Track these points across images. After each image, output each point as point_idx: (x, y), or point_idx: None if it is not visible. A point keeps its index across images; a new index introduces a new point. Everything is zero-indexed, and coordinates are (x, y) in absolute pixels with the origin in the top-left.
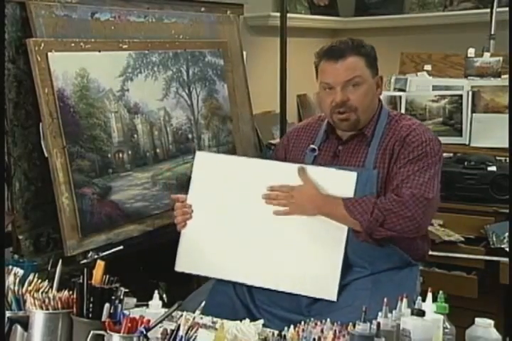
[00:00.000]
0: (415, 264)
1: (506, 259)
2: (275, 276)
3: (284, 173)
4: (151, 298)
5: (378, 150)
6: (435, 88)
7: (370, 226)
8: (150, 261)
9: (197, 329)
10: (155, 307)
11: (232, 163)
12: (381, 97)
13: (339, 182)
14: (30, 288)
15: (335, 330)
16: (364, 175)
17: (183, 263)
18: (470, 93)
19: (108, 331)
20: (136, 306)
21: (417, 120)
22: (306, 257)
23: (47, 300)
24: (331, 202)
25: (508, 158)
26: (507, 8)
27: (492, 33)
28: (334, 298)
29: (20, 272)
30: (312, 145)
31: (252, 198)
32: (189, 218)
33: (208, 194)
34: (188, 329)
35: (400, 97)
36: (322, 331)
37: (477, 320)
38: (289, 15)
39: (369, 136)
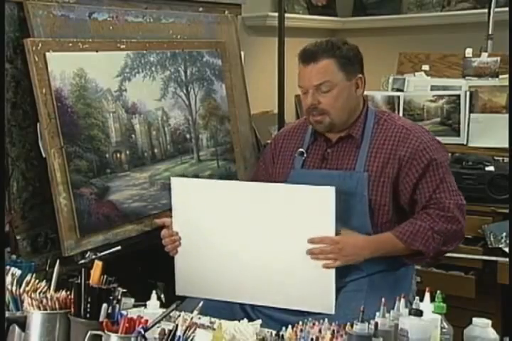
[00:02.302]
0: (410, 264)
1: (504, 259)
2: (272, 294)
3: (261, 192)
4: (149, 298)
5: (369, 152)
6: (433, 88)
7: (435, 252)
8: (148, 261)
9: (195, 329)
10: (153, 307)
11: (207, 186)
12: (379, 98)
13: (318, 198)
14: (27, 289)
15: (333, 330)
16: (355, 178)
17: (183, 288)
18: (468, 93)
19: (106, 331)
20: (134, 306)
21: (408, 119)
22: (299, 272)
23: (44, 301)
24: (383, 241)
25: (506, 158)
26: (504, 8)
27: (490, 33)
28: (332, 312)
29: (18, 272)
30: (301, 149)
31: (236, 219)
32: (178, 245)
33: (192, 218)
34: (186, 329)
35: (398, 97)
36: (320, 331)
37: (475, 319)
38: (286, 15)
39: (358, 137)
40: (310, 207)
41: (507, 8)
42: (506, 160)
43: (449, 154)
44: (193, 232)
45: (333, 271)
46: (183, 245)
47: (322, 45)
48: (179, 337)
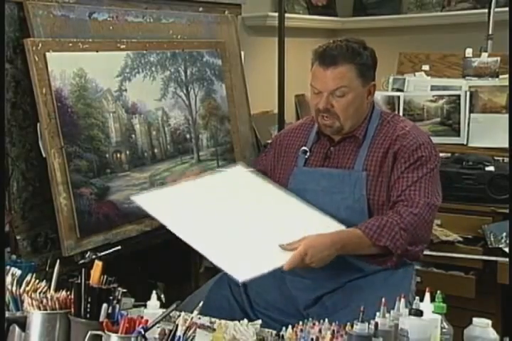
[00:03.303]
0: (410, 264)
1: (504, 259)
2: (216, 246)
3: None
4: (149, 298)
5: (369, 151)
6: (433, 88)
7: (402, 250)
8: (148, 261)
9: (195, 329)
10: (153, 307)
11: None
12: (379, 98)
13: (322, 227)
14: (27, 289)
15: (333, 330)
16: (353, 177)
17: (145, 199)
18: (468, 93)
19: (106, 331)
20: (134, 306)
21: (410, 121)
22: (258, 245)
23: (44, 301)
24: (347, 237)
25: (506, 158)
26: (505, 9)
27: (490, 33)
28: (240, 280)
29: (18, 272)
30: (304, 147)
31: (244, 206)
32: None
33: (211, 188)
34: (186, 329)
35: (398, 97)
36: (320, 331)
37: (475, 319)
38: (287, 15)
39: (361, 138)
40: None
41: (507, 8)
42: (506, 160)
43: (449, 154)
44: (199, 191)
45: (280, 263)
46: (181, 189)
47: (343, 50)
48: (179, 337)
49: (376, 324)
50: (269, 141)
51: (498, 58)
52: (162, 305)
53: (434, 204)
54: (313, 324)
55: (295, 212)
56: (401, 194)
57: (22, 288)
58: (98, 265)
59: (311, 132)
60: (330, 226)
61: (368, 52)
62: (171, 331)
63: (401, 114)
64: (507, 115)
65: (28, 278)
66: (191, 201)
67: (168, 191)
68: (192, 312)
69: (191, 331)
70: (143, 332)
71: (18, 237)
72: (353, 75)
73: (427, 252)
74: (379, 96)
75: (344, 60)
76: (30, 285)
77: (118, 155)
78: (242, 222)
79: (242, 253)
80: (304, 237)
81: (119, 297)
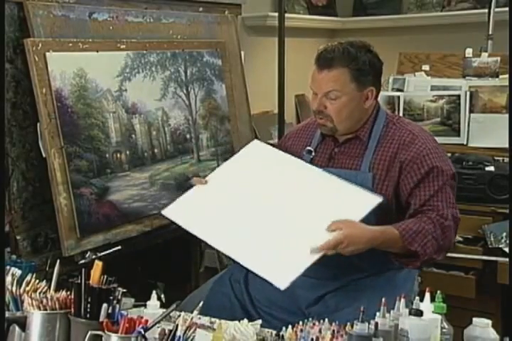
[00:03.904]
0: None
1: (504, 259)
2: (247, 251)
3: (317, 177)
4: (149, 298)
5: (375, 154)
6: (433, 88)
7: (429, 256)
8: (148, 261)
9: (195, 329)
10: (153, 307)
11: (278, 157)
12: (378, 98)
13: (358, 201)
14: (27, 289)
15: (333, 330)
16: (359, 178)
17: (173, 211)
18: (468, 93)
19: (106, 331)
20: (134, 306)
21: (416, 124)
22: (285, 246)
23: (44, 301)
24: (387, 238)
25: (506, 158)
26: (505, 9)
27: (490, 33)
28: (282, 287)
29: (18, 272)
30: (308, 147)
31: (271, 190)
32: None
33: (235, 174)
34: (186, 329)
35: (398, 97)
36: (320, 331)
37: (475, 319)
38: (287, 15)
39: (365, 140)
40: (342, 207)
41: (507, 8)
42: (506, 160)
43: (449, 154)
44: (225, 184)
45: (315, 258)
46: (208, 186)
47: (339, 52)
48: (179, 337)
49: (376, 324)
50: (271, 142)
51: (498, 58)
52: (162, 305)
53: (457, 218)
54: (313, 324)
55: (324, 186)
56: (425, 203)
57: (22, 288)
58: (98, 265)
59: (315, 132)
60: (361, 197)
61: (369, 56)
62: (171, 331)
63: (401, 114)
64: (507, 115)
65: (28, 278)
66: (216, 199)
67: (192, 194)
68: (192, 312)
69: (191, 331)
70: (143, 332)
71: (18, 237)
72: (346, 79)
73: None
74: (379, 96)
75: (338, 64)
76: (30, 285)
77: (118, 155)
78: (271, 211)
79: (275, 255)
80: (346, 221)
81: (119, 297)
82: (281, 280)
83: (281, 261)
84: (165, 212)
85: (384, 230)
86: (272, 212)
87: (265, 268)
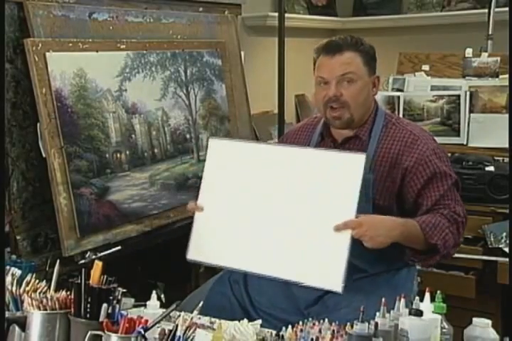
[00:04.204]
0: (413, 265)
1: (504, 259)
2: (283, 266)
3: (296, 158)
4: (149, 298)
5: (376, 154)
6: (433, 88)
7: (448, 250)
8: (148, 261)
9: (195, 329)
10: (153, 307)
11: (244, 148)
12: (379, 98)
13: (345, 166)
14: (27, 289)
15: (333, 330)
16: None
17: (195, 252)
18: (468, 93)
19: (106, 331)
20: (134, 306)
21: (415, 124)
22: (314, 246)
23: (44, 301)
24: (410, 226)
25: (506, 158)
26: (505, 9)
27: (490, 33)
28: (339, 290)
29: (18, 272)
30: None
31: (261, 186)
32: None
33: (219, 182)
34: (186, 329)
35: (398, 97)
36: (320, 331)
37: (475, 319)
38: (287, 15)
39: (365, 139)
40: (336, 176)
41: (507, 8)
42: (506, 160)
43: (449, 154)
44: (218, 196)
45: (346, 249)
46: (205, 210)
47: (347, 39)
48: (179, 337)
49: (376, 324)
50: (271, 142)
51: (498, 58)
52: (162, 305)
53: (466, 216)
54: (313, 324)
55: (308, 167)
56: (436, 203)
57: (22, 288)
58: (98, 265)
59: (314, 133)
60: (346, 162)
61: (368, 44)
62: (170, 331)
63: (401, 114)
64: (507, 115)
65: (28, 278)
66: (223, 222)
67: (199, 226)
68: (192, 312)
69: (191, 331)
70: (143, 332)
71: (18, 237)
72: (359, 62)
73: None
74: (379, 96)
75: (349, 47)
76: (30, 285)
77: (118, 155)
78: (278, 215)
79: (309, 261)
80: (360, 216)
81: (119, 297)
82: (335, 285)
83: (319, 266)
84: (189, 256)
85: (405, 220)
86: (279, 215)
87: (312, 279)
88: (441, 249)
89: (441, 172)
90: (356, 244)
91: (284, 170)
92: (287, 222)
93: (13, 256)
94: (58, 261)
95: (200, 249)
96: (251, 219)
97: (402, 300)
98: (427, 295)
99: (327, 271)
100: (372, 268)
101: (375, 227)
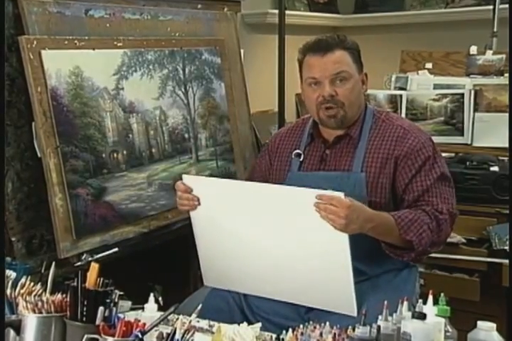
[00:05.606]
0: (414, 265)
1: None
2: (295, 292)
3: (272, 195)
4: (146, 301)
5: (366, 152)
6: (436, 87)
7: (424, 247)
8: (145, 263)
9: (193, 332)
10: (150, 310)
11: (218, 185)
12: (381, 96)
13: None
14: (22, 291)
15: (334, 334)
16: (352, 179)
17: (210, 279)
18: (472, 92)
19: (102, 335)
20: (132, 309)
21: (405, 119)
22: (316, 272)
23: (40, 304)
24: (384, 221)
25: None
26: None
27: (495, 30)
28: (354, 314)
29: (13, 275)
30: (297, 151)
31: (246, 218)
32: (195, 206)
33: (207, 215)
34: (185, 332)
35: (401, 96)
36: (321, 335)
37: (479, 323)
38: (287, 12)
39: (355, 137)
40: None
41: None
42: None
43: (453, 154)
44: (210, 227)
45: (350, 272)
46: (204, 238)
47: (334, 38)
48: (177, 340)
49: (378, 327)
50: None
51: (503, 56)
52: (160, 308)
53: (454, 213)
54: (314, 327)
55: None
56: (418, 199)
57: (17, 290)
58: (94, 267)
59: (303, 134)
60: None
61: (353, 41)
62: (169, 334)
63: (403, 113)
64: None
65: (23, 280)
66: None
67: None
68: (190, 315)
69: (189, 334)
70: (140, 336)
71: (12, 239)
72: (349, 60)
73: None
74: (381, 94)
75: (338, 46)
76: (25, 288)
77: (115, 155)
78: (273, 247)
79: (317, 288)
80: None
81: (116, 300)
82: (349, 310)
83: (328, 292)
84: (206, 283)
85: (379, 213)
86: (273, 246)
87: (326, 305)
88: (417, 246)
89: (429, 164)
90: (354, 247)
91: (262, 205)
92: (282, 251)
93: (8, 258)
94: (54, 263)
95: (213, 277)
96: (248, 252)
97: (405, 302)
98: (430, 298)
99: (337, 296)
100: (372, 270)
101: (355, 215)
